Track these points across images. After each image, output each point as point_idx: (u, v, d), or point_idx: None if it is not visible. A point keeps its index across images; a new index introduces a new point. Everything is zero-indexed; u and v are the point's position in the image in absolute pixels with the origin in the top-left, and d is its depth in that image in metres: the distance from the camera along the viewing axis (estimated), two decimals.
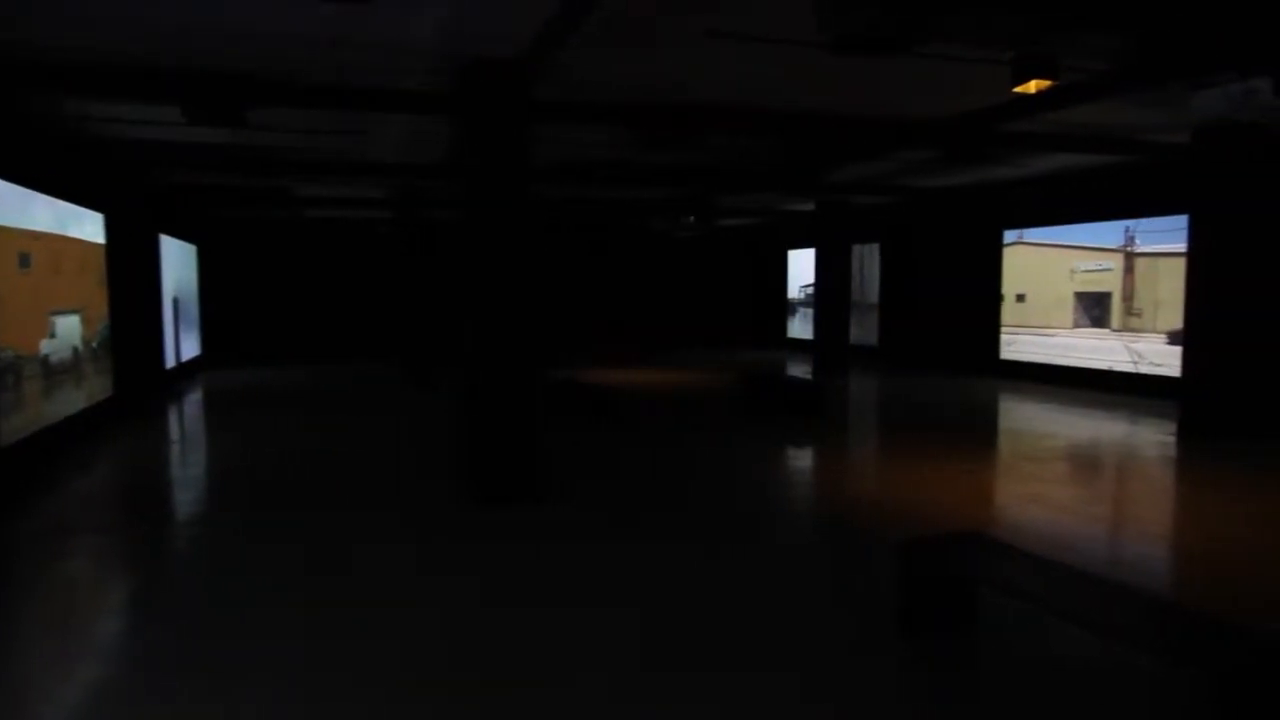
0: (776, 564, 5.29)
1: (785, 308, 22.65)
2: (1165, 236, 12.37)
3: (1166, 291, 12.32)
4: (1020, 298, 15.26)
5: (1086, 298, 14.06)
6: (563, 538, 5.78)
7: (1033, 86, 5.98)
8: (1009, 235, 15.35)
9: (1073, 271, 14.27)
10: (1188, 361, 9.74)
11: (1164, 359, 12.27)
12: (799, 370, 16.70)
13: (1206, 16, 5.50)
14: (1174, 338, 11.90)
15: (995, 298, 15.55)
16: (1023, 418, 11.33)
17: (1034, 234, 14.98)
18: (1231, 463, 8.06)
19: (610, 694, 3.54)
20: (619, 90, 7.81)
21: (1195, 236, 9.65)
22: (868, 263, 19.10)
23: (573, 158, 11.73)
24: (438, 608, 4.51)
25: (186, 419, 11.64)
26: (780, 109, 8.60)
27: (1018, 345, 15.23)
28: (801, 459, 8.90)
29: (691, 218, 15.79)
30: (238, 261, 19.17)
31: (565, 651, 3.95)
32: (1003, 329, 15.51)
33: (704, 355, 20.16)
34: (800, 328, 21.67)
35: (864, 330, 18.89)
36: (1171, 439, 9.33)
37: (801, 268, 21.37)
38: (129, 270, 11.71)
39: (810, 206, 17.01)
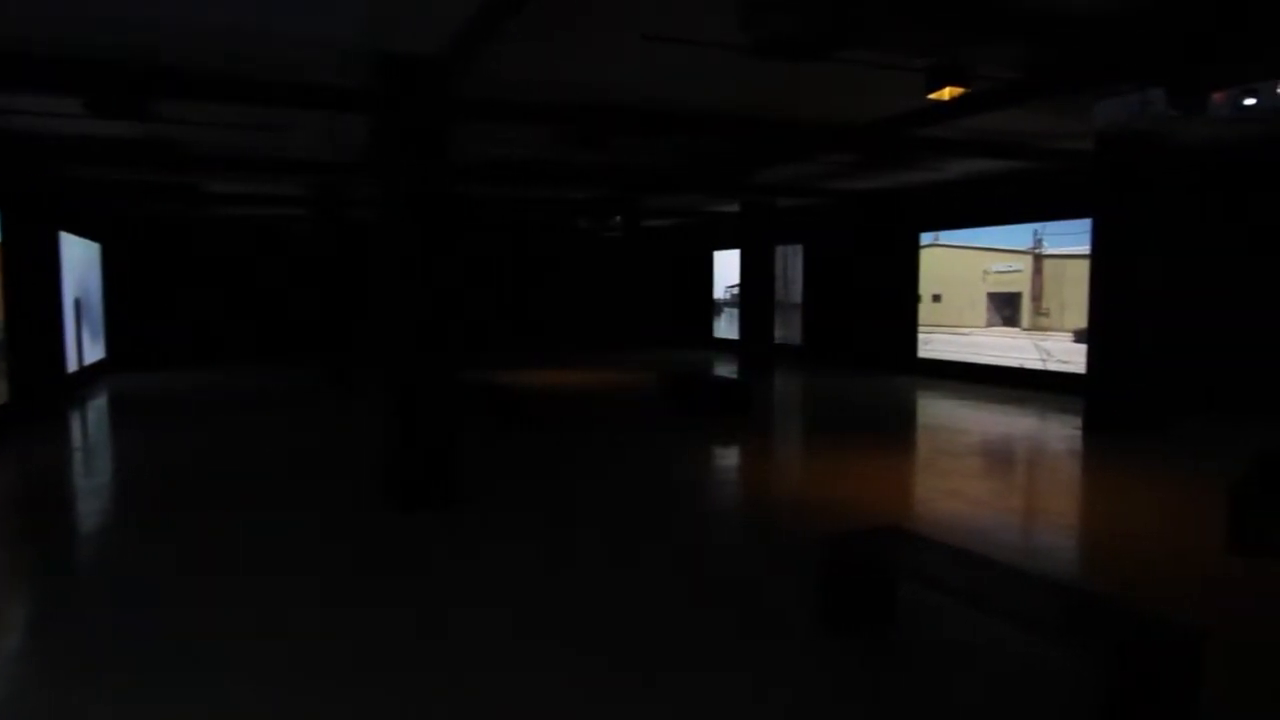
0: (700, 563, 5.32)
1: (711, 308, 22.87)
2: (1071, 239, 12.93)
3: (1072, 292, 12.88)
4: (936, 298, 15.75)
5: (998, 298, 14.59)
6: (479, 540, 5.70)
7: (947, 93, 6.17)
8: (925, 237, 15.82)
9: (985, 273, 14.79)
10: (1091, 359, 10.20)
11: (1070, 356, 12.82)
12: (725, 370, 16.88)
13: (1107, 33, 5.77)
14: (1079, 336, 12.45)
15: (913, 298, 16.00)
16: (940, 414, 11.69)
17: (949, 236, 15.48)
18: (1132, 455, 8.47)
19: (510, 693, 3.51)
20: (545, 89, 7.77)
21: (1097, 239, 10.11)
22: (791, 263, 19.42)
23: (498, 156, 11.61)
24: (343, 609, 4.41)
25: (89, 424, 11.09)
26: (706, 111, 8.68)
27: (934, 344, 15.71)
28: (727, 458, 8.99)
29: (618, 218, 15.80)
30: (145, 261, 18.35)
31: (481, 651, 3.90)
32: (920, 328, 15.98)
33: (630, 356, 20.20)
34: (726, 328, 21.91)
35: (788, 330, 19.21)
36: (1078, 433, 9.75)
37: (727, 268, 21.61)
38: (26, 269, 11.09)
39: (736, 208, 17.22)
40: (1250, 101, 5.44)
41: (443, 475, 6.59)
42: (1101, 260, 10.04)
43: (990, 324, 14.71)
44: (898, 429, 10.65)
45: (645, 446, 9.13)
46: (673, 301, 24.01)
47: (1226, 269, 10.69)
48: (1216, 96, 5.55)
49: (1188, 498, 6.74)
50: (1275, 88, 5.44)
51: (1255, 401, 10.27)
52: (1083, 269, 11.08)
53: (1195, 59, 5.61)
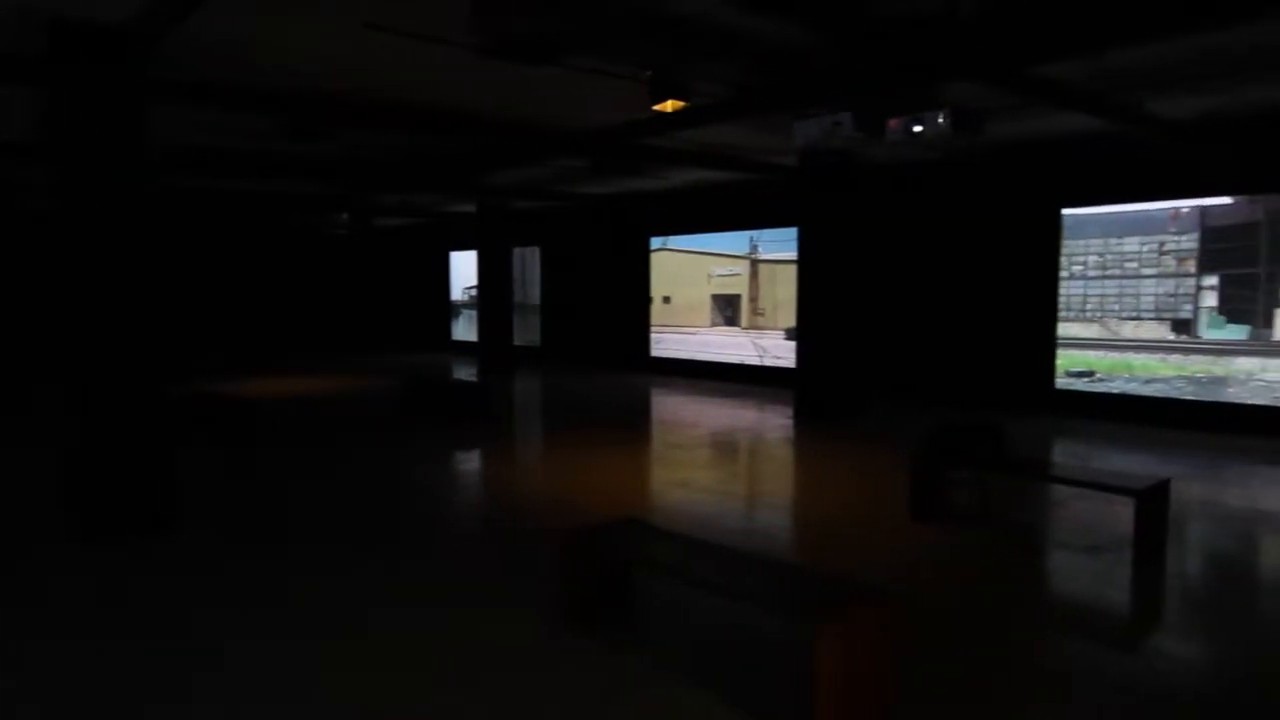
0: (439, 568, 5.20)
1: (449, 310, 22.44)
2: (782, 246, 14.20)
3: (784, 294, 14.15)
4: (667, 299, 16.61)
5: (721, 299, 15.69)
6: (186, 568, 5.17)
7: (669, 106, 6.52)
8: (655, 241, 16.63)
9: (709, 276, 15.84)
10: (800, 355, 11.28)
11: (784, 353, 14.09)
12: (464, 372, 16.63)
13: (802, 61, 6.40)
14: (790, 334, 13.72)
15: (645, 299, 16.76)
16: (671, 410, 12.34)
17: (677, 241, 16.39)
18: (835, 439, 9.48)
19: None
20: (260, 74, 7.18)
21: (802, 246, 11.21)
22: (530, 265, 19.56)
23: (208, 145, 10.57)
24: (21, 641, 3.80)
25: None
26: (437, 108, 8.48)
27: (665, 343, 16.56)
28: (467, 461, 8.87)
29: (345, 216, 14.99)
30: None
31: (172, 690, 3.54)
32: (652, 328, 16.77)
33: (364, 360, 19.29)
34: (465, 330, 21.61)
35: (527, 331, 19.32)
36: (790, 422, 10.73)
37: (464, 270, 21.31)
38: None
39: (472, 208, 17.02)
40: (918, 129, 6.30)
41: (142, 498, 5.86)
42: (805, 265, 11.14)
43: (715, 324, 15.78)
44: (632, 425, 11.10)
45: (381, 454, 8.76)
46: (409, 303, 23.26)
47: (910, 272, 12.29)
48: (892, 123, 6.37)
49: (880, 475, 7.65)
50: (937, 118, 6.34)
51: (937, 388, 11.90)
52: (792, 273, 12.21)
53: (870, 91, 6.41)
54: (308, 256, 21.41)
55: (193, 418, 9.61)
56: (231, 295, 20.23)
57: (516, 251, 18.64)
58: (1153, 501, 5.21)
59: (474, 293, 19.09)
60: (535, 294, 19.45)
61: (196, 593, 4.76)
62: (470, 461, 8.88)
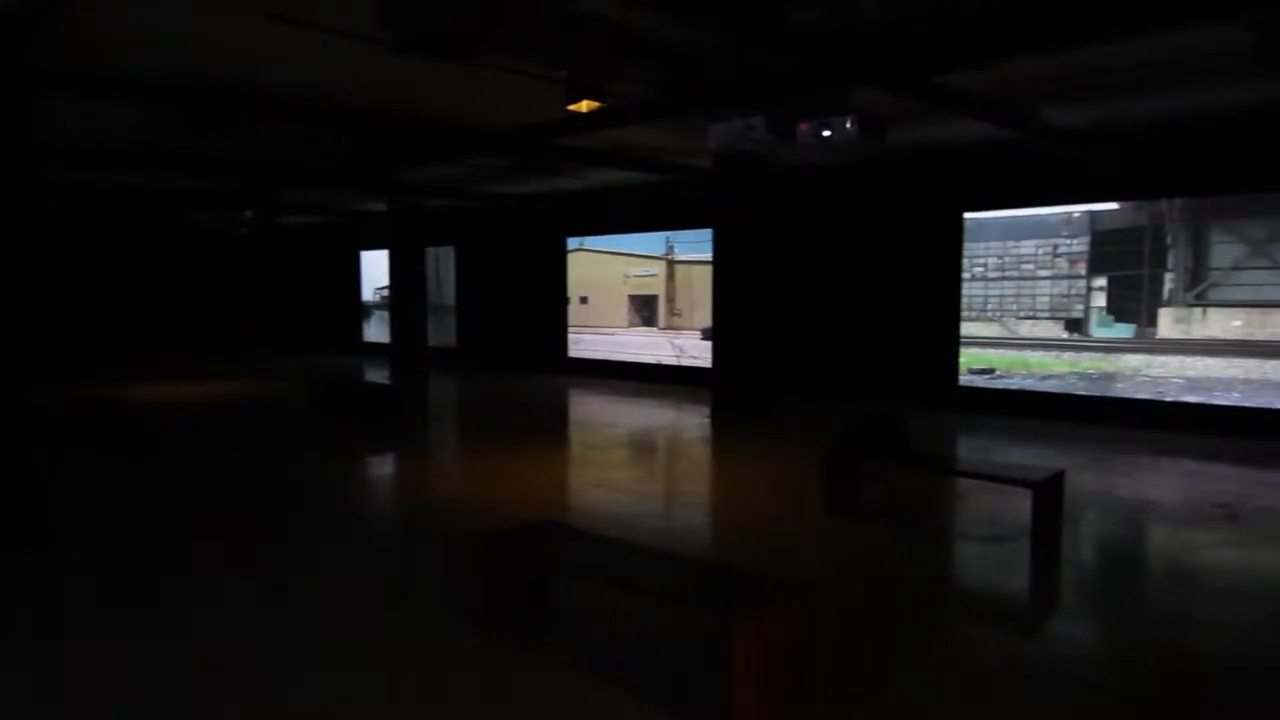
0: (349, 575, 5.06)
1: (360, 310, 21.88)
2: (698, 246, 14.34)
3: (700, 294, 14.30)
4: (584, 300, 16.58)
5: (638, 299, 15.75)
6: (57, 586, 4.90)
7: (584, 106, 6.51)
8: (572, 242, 16.58)
9: (626, 276, 15.88)
10: (716, 354, 11.42)
11: (700, 352, 14.23)
12: (376, 374, 16.24)
13: (716, 65, 6.49)
14: (706, 334, 13.86)
15: (562, 300, 16.70)
16: (589, 410, 12.32)
17: (593, 241, 16.38)
18: (751, 437, 9.63)
19: None
20: (155, 65, 6.85)
21: (717, 247, 11.35)
22: (444, 265, 19.25)
23: (100, 137, 10.03)
24: None
25: None
26: (344, 104, 8.26)
27: (583, 344, 16.53)
28: (380, 466, 8.66)
29: (249, 213, 14.45)
30: None
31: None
32: (570, 329, 16.72)
33: (271, 362, 18.64)
34: (377, 331, 21.12)
35: (442, 332, 19.00)
36: (707, 421, 10.85)
37: (376, 269, 20.82)
38: None
39: (383, 207, 16.64)
40: (827, 133, 6.46)
41: (18, 513, 5.50)
42: (720, 265, 11.28)
43: (632, 324, 15.83)
44: (550, 427, 11.03)
45: (289, 460, 8.47)
46: (318, 304, 22.58)
47: (822, 273, 12.58)
48: (802, 127, 6.52)
49: (794, 470, 7.80)
50: (845, 123, 6.51)
51: (848, 385, 12.21)
52: (709, 273, 12.35)
53: (780, 97, 6.55)
54: (209, 255, 20.55)
55: (79, 425, 9.11)
56: (129, 296, 19.27)
57: (430, 251, 18.31)
58: (1048, 492, 5.46)
59: (386, 293, 18.67)
60: (450, 294, 19.14)
61: (66, 614, 4.51)
62: (383, 466, 8.67)
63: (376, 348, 20.61)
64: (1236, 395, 9.39)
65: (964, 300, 11.36)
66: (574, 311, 16.68)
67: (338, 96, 8.00)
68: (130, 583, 4.91)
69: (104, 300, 18.81)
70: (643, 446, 9.60)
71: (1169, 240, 9.89)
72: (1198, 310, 9.75)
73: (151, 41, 6.23)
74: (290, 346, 21.86)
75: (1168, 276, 9.90)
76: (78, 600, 4.64)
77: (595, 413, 12.03)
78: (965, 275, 11.34)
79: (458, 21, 4.58)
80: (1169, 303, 9.90)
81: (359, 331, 21.85)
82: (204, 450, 9.03)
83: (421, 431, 10.72)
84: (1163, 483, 7.45)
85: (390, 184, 14.21)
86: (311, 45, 6.16)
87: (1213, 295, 9.67)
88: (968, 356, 11.41)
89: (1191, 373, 9.70)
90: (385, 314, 19.72)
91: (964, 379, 11.41)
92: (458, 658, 3.91)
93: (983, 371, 11.34)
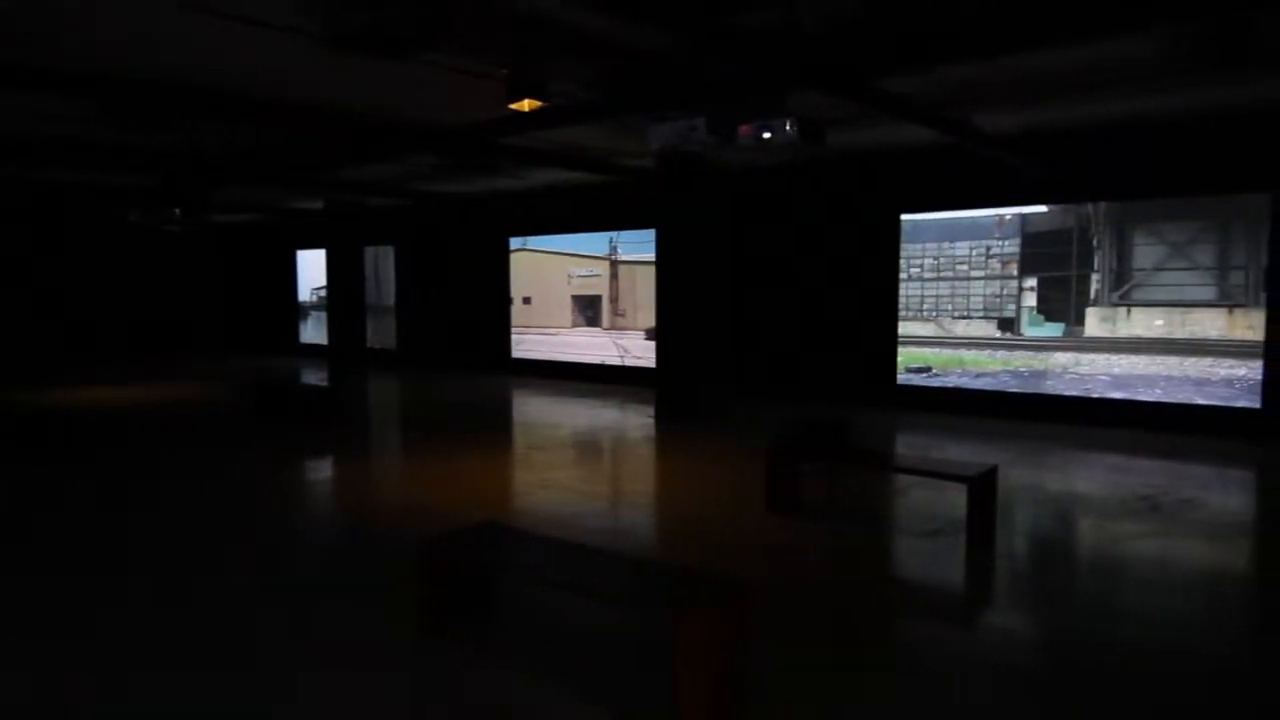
0: (290, 580, 4.94)
1: (296, 311, 21.38)
2: (642, 247, 14.36)
3: (644, 294, 14.32)
4: (527, 300, 16.47)
5: (582, 300, 15.71)
6: None
7: (526, 105, 6.44)
8: (515, 241, 16.46)
9: (570, 276, 15.82)
10: (659, 354, 11.45)
11: (644, 353, 14.25)
12: (314, 377, 15.89)
13: (658, 66, 6.50)
14: (650, 334, 13.89)
15: (505, 300, 16.56)
16: (532, 411, 12.24)
17: (537, 241, 16.28)
18: (695, 437, 9.68)
19: None
20: (73, 56, 6.58)
21: (660, 247, 11.38)
22: (383, 265, 18.92)
23: (13, 130, 9.60)
24: None
25: None
26: (276, 99, 8.05)
27: (527, 344, 16.42)
28: (319, 470, 8.48)
29: (177, 210, 13.99)
30: None
31: None
32: (513, 329, 16.59)
33: (205, 365, 18.09)
34: (314, 332, 20.67)
35: (382, 334, 18.69)
36: (651, 421, 10.87)
37: (313, 269, 20.37)
38: None
39: (319, 205, 16.28)
40: (768, 135, 6.52)
41: None
42: (663, 265, 11.32)
43: (576, 324, 15.78)
44: (493, 428, 10.93)
45: (223, 465, 8.23)
46: (252, 305, 22.00)
47: (764, 273, 12.70)
48: (743, 129, 6.57)
49: (737, 469, 7.86)
50: (785, 125, 6.58)
51: (790, 385, 12.35)
52: (652, 273, 12.38)
53: (721, 98, 6.60)
54: (138, 255, 19.85)
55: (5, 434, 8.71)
56: (53, 297, 18.50)
57: (369, 251, 17.99)
58: (983, 487, 5.61)
59: (323, 293, 18.27)
60: (390, 294, 18.83)
61: None
62: (322, 470, 8.49)
63: (314, 349, 20.17)
64: (1159, 391, 9.77)
65: (902, 300, 11.60)
66: (517, 312, 16.56)
67: (270, 91, 7.79)
68: (27, 595, 4.71)
69: (25, 301, 18.03)
70: (587, 447, 9.58)
71: (1095, 242, 10.25)
72: (1122, 310, 10.12)
73: (60, 30, 5.98)
74: (225, 348, 21.28)
75: (1094, 277, 10.25)
76: None
77: (539, 413, 11.95)
78: (903, 276, 11.58)
79: (395, 20, 4.51)
80: (1095, 303, 10.25)
81: (296, 333, 21.35)
82: (136, 456, 8.71)
83: (362, 434, 10.52)
84: (1090, 476, 7.70)
85: (327, 182, 13.90)
86: (237, 38, 5.98)
87: (1136, 295, 10.04)
88: (905, 355, 11.64)
89: (1117, 370, 10.06)
90: (323, 315, 19.31)
91: (902, 378, 11.64)
92: (396, 660, 3.84)
93: (920, 370, 11.59)
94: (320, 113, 8.55)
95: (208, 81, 7.41)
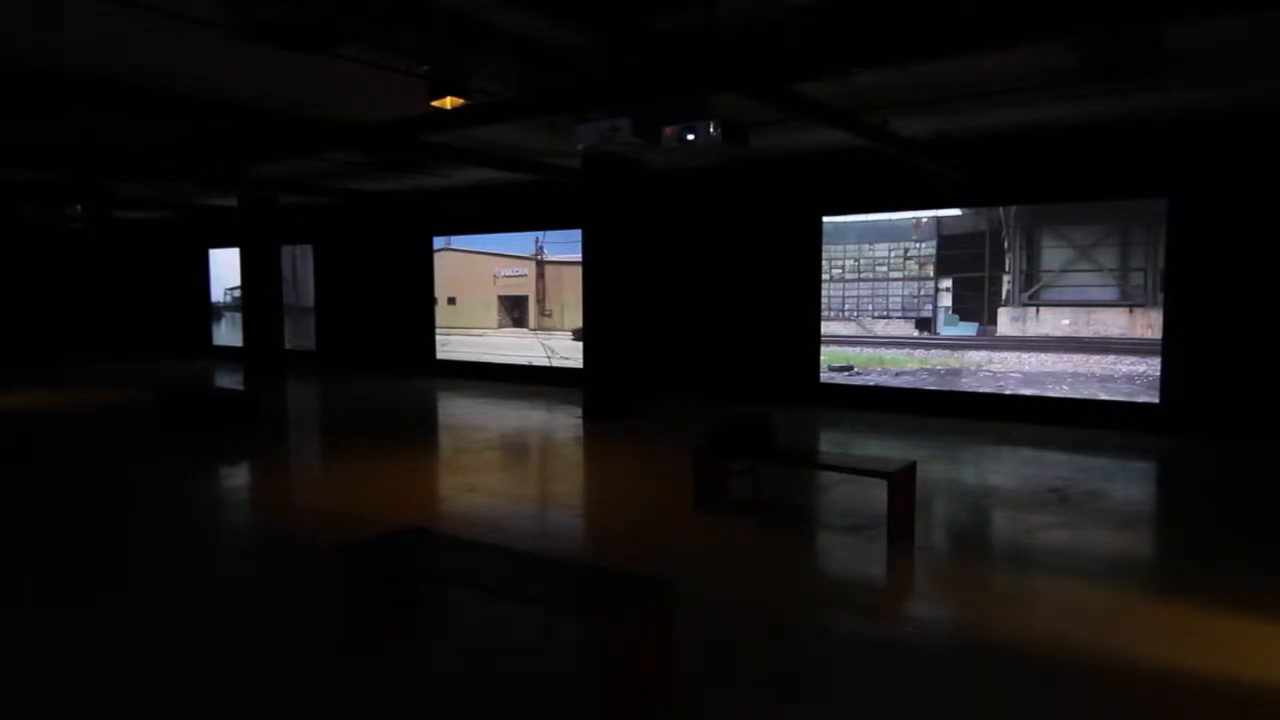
0: (205, 593, 4.75)
1: (209, 312, 20.61)
2: (568, 247, 14.30)
3: (571, 295, 14.26)
4: (452, 300, 16.22)
5: (508, 300, 15.55)
6: None
7: (448, 102, 6.35)
8: (439, 241, 16.19)
9: (495, 276, 15.65)
10: (587, 355, 11.42)
11: (571, 353, 14.19)
12: (228, 380, 15.34)
13: (581, 65, 6.47)
14: (577, 335, 13.84)
15: (429, 301, 16.28)
16: (458, 413, 12.06)
17: (460, 241, 16.05)
18: (622, 438, 9.68)
19: None
20: None
21: (587, 248, 11.35)
22: (302, 265, 18.39)
23: None
24: None
25: None
26: (182, 91, 7.73)
27: (452, 345, 16.17)
28: (233, 477, 8.18)
29: (78, 207, 13.33)
30: None
31: None
32: (438, 330, 16.32)
33: (112, 368, 17.28)
34: (228, 334, 19.96)
35: (301, 335, 18.17)
36: (579, 422, 10.83)
37: (227, 269, 19.67)
38: None
39: (233, 202, 15.71)
40: (691, 137, 6.56)
41: None
42: (590, 266, 11.29)
43: (502, 325, 15.61)
44: (417, 431, 10.72)
45: (132, 475, 7.86)
46: (161, 305, 21.11)
47: (690, 273, 12.79)
48: (667, 130, 6.60)
49: (664, 469, 7.89)
50: (709, 127, 6.64)
51: (716, 383, 12.46)
52: (579, 274, 12.34)
53: (643, 99, 6.62)
54: (34, 253, 18.85)
55: None
56: None
57: (287, 250, 17.46)
58: (902, 483, 5.75)
59: (238, 294, 17.66)
60: (309, 295, 18.31)
61: None
62: (237, 478, 8.19)
63: (228, 351, 19.48)
64: (1066, 387, 10.20)
65: (824, 300, 11.83)
66: (442, 312, 16.30)
67: (168, 83, 7.48)
68: None
69: None
70: (514, 449, 9.48)
71: (1006, 245, 10.63)
72: (1032, 310, 10.52)
73: None
74: (132, 351, 20.37)
75: (1005, 278, 10.64)
76: None
77: (465, 416, 11.78)
78: (825, 277, 11.81)
79: (306, 10, 4.37)
80: (1007, 303, 10.64)
81: (209, 334, 20.59)
82: (35, 466, 8.25)
83: (280, 440, 10.19)
84: (1003, 470, 7.98)
85: (240, 178, 13.42)
86: (145, 26, 5.73)
87: (1045, 296, 10.46)
88: (828, 354, 11.88)
89: (1028, 367, 10.46)
90: (237, 316, 18.65)
91: (825, 376, 11.87)
92: (316, 680, 3.73)
93: (842, 369, 11.84)
94: (230, 106, 8.24)
95: (111, 73, 7.07)
